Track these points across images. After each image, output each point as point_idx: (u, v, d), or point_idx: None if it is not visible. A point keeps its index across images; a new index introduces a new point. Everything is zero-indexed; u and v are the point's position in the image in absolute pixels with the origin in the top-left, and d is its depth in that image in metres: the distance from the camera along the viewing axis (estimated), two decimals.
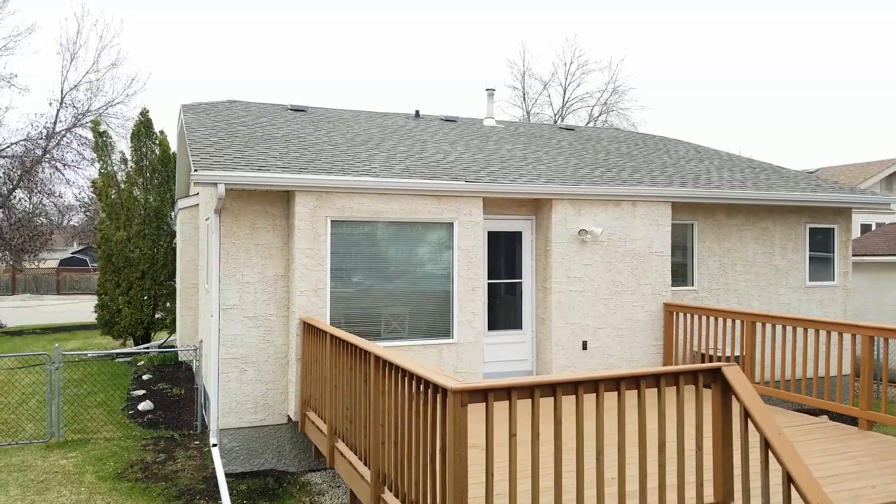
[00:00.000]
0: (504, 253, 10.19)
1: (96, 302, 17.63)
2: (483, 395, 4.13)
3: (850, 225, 12.38)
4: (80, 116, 24.25)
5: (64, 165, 23.96)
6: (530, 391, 4.23)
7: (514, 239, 10.20)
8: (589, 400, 4.53)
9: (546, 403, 4.31)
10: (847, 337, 7.92)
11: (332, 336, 6.86)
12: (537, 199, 10.04)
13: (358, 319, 8.81)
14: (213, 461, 8.52)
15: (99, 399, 12.55)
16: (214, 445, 8.44)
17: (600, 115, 38.96)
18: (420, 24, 62.39)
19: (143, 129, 17.32)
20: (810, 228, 12.08)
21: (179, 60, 61.97)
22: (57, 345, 10.15)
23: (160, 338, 18.39)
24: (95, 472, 8.65)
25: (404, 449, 4.88)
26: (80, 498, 7.81)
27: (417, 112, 14.53)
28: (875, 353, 12.59)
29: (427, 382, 4.44)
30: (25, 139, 23.35)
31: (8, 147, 23.31)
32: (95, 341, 19.95)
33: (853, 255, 17.06)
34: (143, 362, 15.68)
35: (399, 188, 8.85)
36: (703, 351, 9.76)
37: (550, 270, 9.79)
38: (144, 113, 17.52)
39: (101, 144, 17.68)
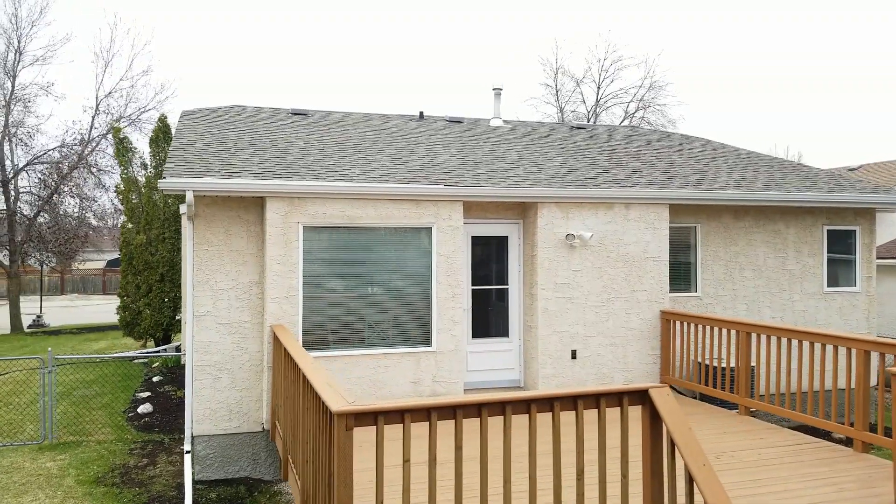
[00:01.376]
0: (490, 258, 9.89)
1: (118, 303, 18.04)
2: (373, 418, 3.88)
3: (873, 226, 11.62)
4: (114, 123, 24.86)
5: (98, 170, 24.61)
6: (427, 414, 3.97)
7: (501, 244, 9.88)
8: (499, 423, 4.24)
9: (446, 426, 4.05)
10: (843, 351, 7.36)
11: (284, 346, 6.71)
12: (524, 203, 9.71)
13: (332, 327, 8.66)
14: None
15: (105, 400, 12.75)
16: (188, 452, 8.40)
17: (636, 111, 38.03)
18: (449, 23, 62.08)
19: (161, 134, 17.60)
20: (828, 231, 11.38)
21: (211, 65, 62.85)
22: (50, 349, 10.33)
23: (179, 339, 18.67)
24: (77, 475, 8.73)
25: (318, 469, 4.68)
26: (53, 502, 7.87)
27: (421, 113, 14.32)
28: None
29: (323, 402, 4.23)
30: (61, 145, 24.07)
31: (45, 153, 24.06)
32: (122, 342, 20.41)
33: (889, 258, 16.12)
34: (157, 364, 15.92)
35: (374, 193, 8.65)
36: (703, 361, 9.27)
37: (536, 276, 9.45)
38: (163, 119, 17.81)
39: (122, 150, 18.06)
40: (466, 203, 9.44)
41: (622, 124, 38.20)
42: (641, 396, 4.38)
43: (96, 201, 24.84)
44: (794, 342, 7.76)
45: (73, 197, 23.99)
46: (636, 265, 9.81)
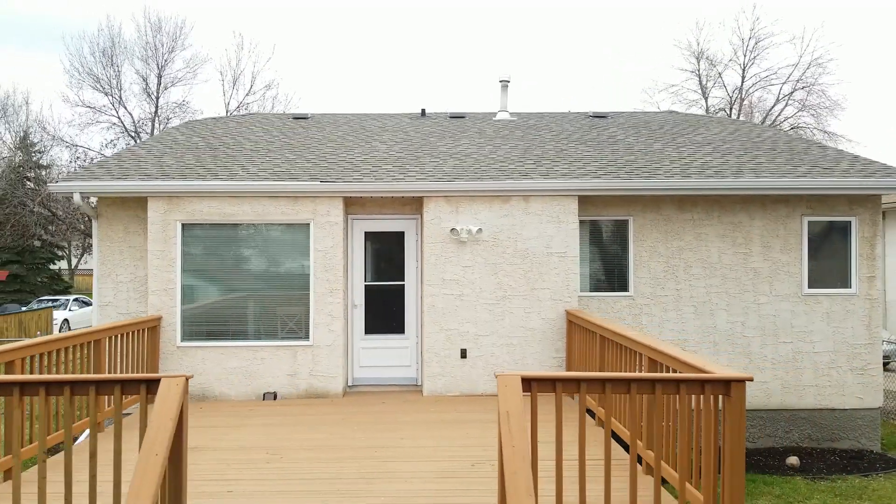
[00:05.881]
0: (389, 254, 9.77)
1: None
2: None
3: (877, 217, 9.63)
4: None
5: None
6: None
7: (399, 239, 9.73)
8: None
9: None
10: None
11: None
12: (420, 198, 9.47)
13: (209, 319, 9.15)
14: None
15: None
16: None
17: (793, 92, 33.89)
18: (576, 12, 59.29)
19: None
20: (810, 222, 9.65)
21: (330, 76, 62.88)
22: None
23: None
24: None
25: None
26: None
27: (423, 111, 14.35)
28: None
29: None
30: None
31: None
32: None
33: None
34: None
35: (250, 191, 9.02)
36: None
37: (423, 273, 9.19)
38: None
39: None
40: (358, 199, 9.47)
41: (771, 109, 34.42)
42: (153, 384, 4.33)
43: None
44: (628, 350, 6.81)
45: None
46: (537, 261, 9.13)
